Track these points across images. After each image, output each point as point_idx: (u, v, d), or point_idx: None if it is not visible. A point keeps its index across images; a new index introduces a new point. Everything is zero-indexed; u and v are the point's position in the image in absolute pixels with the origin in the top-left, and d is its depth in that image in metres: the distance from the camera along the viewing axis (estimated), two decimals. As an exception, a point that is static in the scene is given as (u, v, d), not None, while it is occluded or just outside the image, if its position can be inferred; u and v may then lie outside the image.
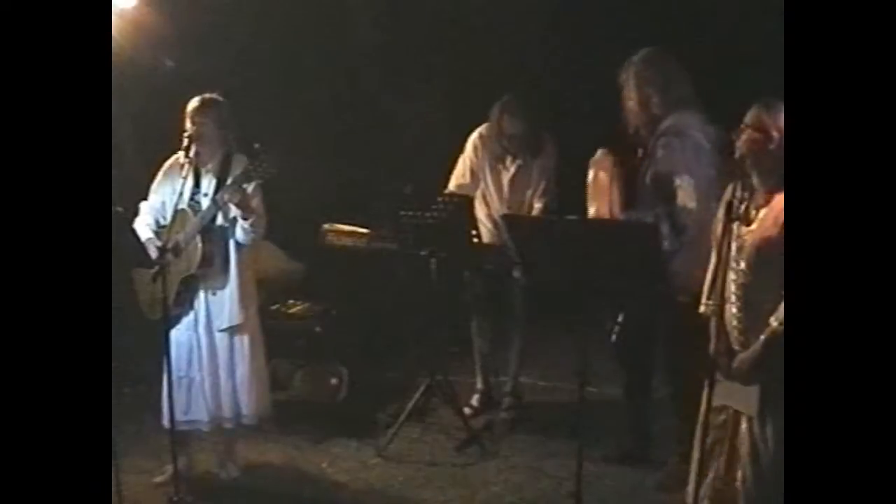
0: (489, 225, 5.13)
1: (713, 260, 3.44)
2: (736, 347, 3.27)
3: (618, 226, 3.94)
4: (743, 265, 3.21)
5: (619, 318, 4.33)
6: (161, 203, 4.39)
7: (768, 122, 3.14)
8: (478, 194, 5.15)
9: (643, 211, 4.07)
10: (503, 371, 5.42)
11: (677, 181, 3.93)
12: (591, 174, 4.19)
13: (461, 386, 5.39)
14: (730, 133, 3.27)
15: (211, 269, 4.27)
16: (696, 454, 3.39)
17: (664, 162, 4.03)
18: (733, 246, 3.22)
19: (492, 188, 5.16)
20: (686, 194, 3.90)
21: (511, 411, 5.30)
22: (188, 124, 4.24)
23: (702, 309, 3.49)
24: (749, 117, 3.20)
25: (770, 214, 3.16)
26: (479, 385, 5.48)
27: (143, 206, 4.45)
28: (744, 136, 3.18)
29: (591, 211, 4.19)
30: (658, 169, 4.05)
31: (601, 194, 4.10)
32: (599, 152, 4.16)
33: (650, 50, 4.21)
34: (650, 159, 4.09)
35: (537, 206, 5.08)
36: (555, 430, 5.00)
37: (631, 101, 4.15)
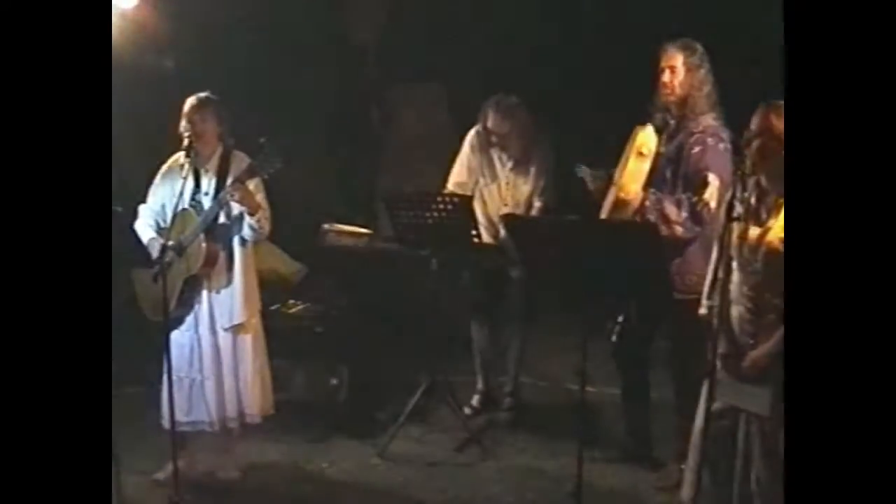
0: (487, 224, 5.13)
1: (714, 259, 3.44)
2: (744, 348, 3.25)
3: (618, 226, 3.94)
4: (758, 266, 3.19)
5: (620, 318, 4.35)
6: (160, 206, 4.39)
7: (778, 124, 3.12)
8: (476, 193, 5.16)
9: (667, 195, 4.09)
10: (503, 371, 5.42)
11: (708, 177, 3.96)
12: (633, 147, 4.17)
13: (461, 386, 5.39)
14: (740, 137, 3.27)
15: (215, 267, 4.27)
16: (693, 455, 3.38)
17: (698, 159, 4.06)
18: (744, 248, 3.21)
19: (489, 187, 5.17)
20: (711, 192, 3.93)
21: (511, 411, 5.31)
22: (185, 124, 4.24)
23: (703, 311, 3.47)
24: (758, 122, 3.18)
25: (783, 216, 3.14)
26: (479, 385, 5.48)
27: (142, 209, 4.44)
28: (756, 142, 3.16)
29: (619, 183, 4.16)
30: (691, 164, 4.08)
31: (636, 170, 4.09)
32: (650, 127, 4.16)
33: (699, 44, 4.22)
34: (684, 153, 4.11)
35: (537, 204, 5.08)
36: (555, 431, 5.00)
37: (687, 86, 4.14)
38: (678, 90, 4.16)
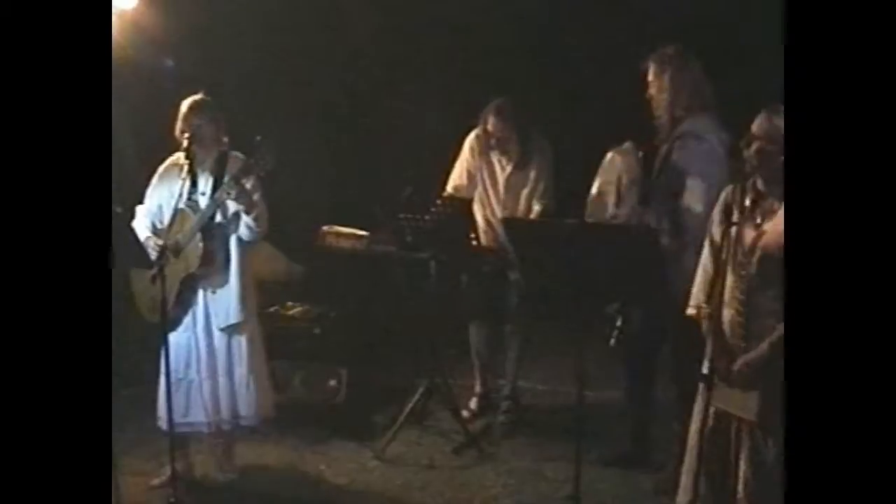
0: (486, 227, 5.13)
1: (710, 263, 3.42)
2: (736, 352, 3.24)
3: (618, 230, 3.95)
4: (752, 270, 3.18)
5: (619, 322, 4.33)
6: (158, 206, 4.39)
7: (777, 129, 3.11)
8: (475, 196, 5.16)
9: (655, 206, 4.09)
10: (501, 374, 5.42)
11: (688, 182, 3.95)
12: (612, 164, 4.17)
13: (459, 389, 5.39)
14: (738, 139, 3.26)
15: (212, 267, 4.26)
16: (690, 460, 3.38)
17: (679, 163, 4.06)
18: (738, 250, 3.20)
19: (489, 190, 5.16)
20: (693, 197, 3.92)
21: (509, 414, 5.30)
22: (182, 125, 4.24)
23: (691, 312, 3.47)
24: (757, 126, 3.17)
25: (780, 220, 3.13)
26: (478, 388, 5.48)
27: (140, 209, 4.44)
28: (754, 146, 3.15)
29: (605, 201, 4.16)
30: (672, 168, 4.08)
31: (619, 186, 4.10)
32: (628, 144, 4.16)
33: (681, 48, 4.21)
34: (667, 157, 4.11)
35: (536, 208, 5.08)
36: (553, 434, 5.00)
37: (662, 95, 4.15)
38: (654, 98, 4.18)
